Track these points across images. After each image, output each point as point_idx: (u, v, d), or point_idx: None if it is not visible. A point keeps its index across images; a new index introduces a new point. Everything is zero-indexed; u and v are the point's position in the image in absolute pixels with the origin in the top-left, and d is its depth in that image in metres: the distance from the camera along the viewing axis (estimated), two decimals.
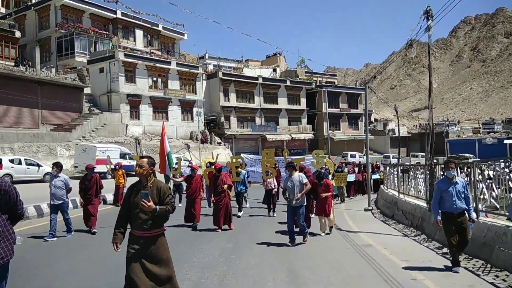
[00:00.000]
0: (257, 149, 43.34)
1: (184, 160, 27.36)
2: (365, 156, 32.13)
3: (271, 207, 12.49)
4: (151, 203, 3.90)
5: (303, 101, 51.22)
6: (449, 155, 47.31)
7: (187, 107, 40.24)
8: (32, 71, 29.33)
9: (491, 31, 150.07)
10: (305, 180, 8.17)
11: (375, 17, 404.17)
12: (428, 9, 9.70)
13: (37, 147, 25.29)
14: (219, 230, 9.53)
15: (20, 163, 20.16)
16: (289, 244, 8.03)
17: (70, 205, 12.66)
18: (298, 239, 8.35)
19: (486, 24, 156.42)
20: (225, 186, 9.80)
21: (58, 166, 8.85)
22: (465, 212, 6.20)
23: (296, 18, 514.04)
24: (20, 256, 7.07)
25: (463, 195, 6.19)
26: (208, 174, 11.91)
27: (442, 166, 10.34)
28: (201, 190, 10.64)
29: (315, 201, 9.77)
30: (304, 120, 51.24)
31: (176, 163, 14.23)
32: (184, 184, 12.59)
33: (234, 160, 13.45)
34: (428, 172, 9.47)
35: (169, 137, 37.35)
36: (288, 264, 6.71)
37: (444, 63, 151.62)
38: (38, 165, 20.91)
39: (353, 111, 55.86)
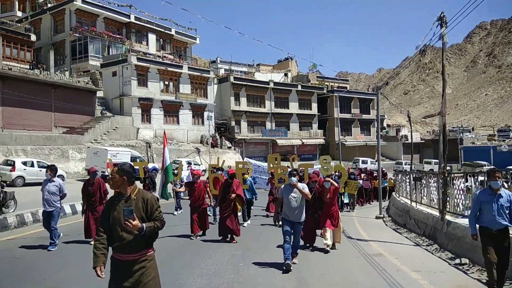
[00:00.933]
0: (268, 154, 43.19)
1: (195, 165, 27.47)
2: (376, 163, 31.84)
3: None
4: (136, 222, 3.25)
5: (315, 106, 50.99)
6: (463, 162, 46.56)
7: (198, 111, 40.40)
8: (46, 74, 29.76)
9: (507, 37, 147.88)
10: (306, 190, 7.21)
11: (388, 22, 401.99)
12: (442, 15, 9.51)
13: (50, 150, 25.58)
14: (223, 239, 8.98)
15: (32, 165, 20.40)
16: (284, 268, 6.59)
17: (69, 210, 12.79)
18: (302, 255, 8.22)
19: (502, 30, 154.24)
20: (233, 195, 8.89)
21: (52, 169, 8.05)
22: (508, 229, 5.47)
23: (309, 23, 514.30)
24: (30, 261, 7.12)
25: (507, 210, 5.43)
26: (213, 180, 11.21)
27: (461, 174, 10.11)
28: (206, 196, 9.88)
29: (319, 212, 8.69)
30: (315, 125, 50.98)
31: (176, 169, 14.05)
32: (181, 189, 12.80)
33: (240, 166, 12.57)
34: (441, 181, 9.28)
35: (180, 141, 37.57)
36: (297, 273, 6.60)
37: (459, 68, 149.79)
38: None
39: (365, 116, 55.41)
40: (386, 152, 53.57)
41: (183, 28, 49.13)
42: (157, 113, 36.94)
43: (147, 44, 44.80)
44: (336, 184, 8.52)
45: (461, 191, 8.81)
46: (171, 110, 38.32)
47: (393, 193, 17.75)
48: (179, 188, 11.25)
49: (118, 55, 37.11)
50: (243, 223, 11.21)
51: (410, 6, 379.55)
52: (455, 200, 8.98)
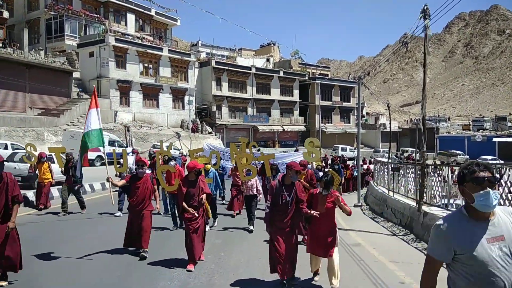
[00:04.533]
0: (249, 140, 43.12)
1: (174, 149, 26.96)
2: (356, 150, 32.20)
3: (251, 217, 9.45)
4: None
5: (296, 92, 51.05)
6: (438, 152, 47.83)
7: (178, 95, 39.82)
8: (20, 53, 28.64)
9: (485, 28, 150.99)
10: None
11: (370, 10, 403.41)
12: (425, 7, 9.56)
13: (24, 132, 24.82)
14: (191, 267, 6.13)
15: (6, 147, 19.73)
16: None
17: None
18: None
19: (480, 21, 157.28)
20: (203, 196, 6.33)
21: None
22: None
23: (291, 9, 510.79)
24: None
25: None
26: (167, 174, 8.96)
27: (435, 167, 10.29)
28: (152, 198, 7.07)
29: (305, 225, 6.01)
30: (296, 112, 51.12)
31: (121, 157, 9.36)
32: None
33: (198, 155, 9.93)
34: (419, 172, 9.48)
35: (160, 125, 37.06)
36: None
37: (437, 58, 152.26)
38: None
39: (345, 104, 55.88)
40: (364, 140, 54.31)
41: (163, 9, 47.95)
42: (136, 96, 36.25)
43: (126, 25, 43.57)
44: (342, 203, 5.33)
45: (438, 182, 9.00)
46: (150, 94, 37.66)
47: (371, 182, 18.03)
48: (119, 181, 7.32)
49: (96, 35, 36.02)
50: (208, 226, 8.55)
51: None
52: (432, 191, 9.17)
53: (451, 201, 8.44)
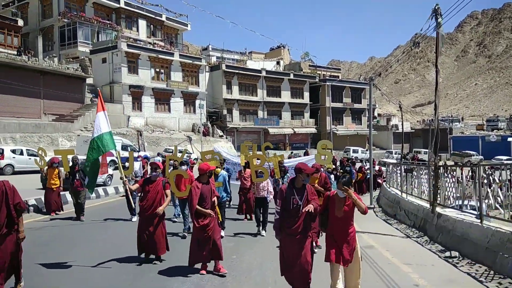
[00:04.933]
0: (260, 143, 43.15)
1: (187, 153, 26.83)
2: (367, 152, 31.99)
3: (261, 221, 9.23)
4: None
5: (306, 95, 50.92)
6: (452, 152, 47.15)
7: (189, 99, 40.08)
8: (35, 60, 29.18)
9: (498, 27, 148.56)
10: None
11: (380, 11, 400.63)
12: (436, 7, 9.48)
13: (39, 138, 25.25)
14: (204, 272, 6.06)
15: (22, 153, 20.11)
16: None
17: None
18: None
19: (493, 19, 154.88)
20: (214, 199, 6.28)
21: None
22: None
23: (301, 11, 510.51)
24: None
25: None
26: (176, 179, 8.62)
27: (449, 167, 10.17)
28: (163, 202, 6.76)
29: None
30: (307, 114, 50.98)
31: (127, 159, 9.95)
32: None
33: (208, 157, 9.22)
34: (432, 173, 9.37)
35: (171, 129, 37.34)
36: None
37: (450, 58, 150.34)
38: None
39: (356, 105, 55.55)
40: (376, 141, 53.86)
41: (174, 14, 48.41)
42: (148, 101, 36.60)
43: (138, 30, 44.04)
44: (355, 197, 4.83)
45: (451, 183, 8.89)
46: (162, 98, 37.98)
47: (384, 184, 17.89)
48: (133, 184, 7.35)
49: (108, 41, 36.51)
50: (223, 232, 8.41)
51: None
52: (446, 192, 9.07)
53: (465, 202, 8.32)
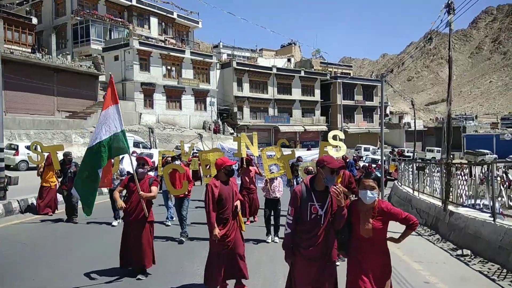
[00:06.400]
0: (270, 141, 43.17)
1: (197, 150, 26.26)
2: (379, 150, 31.56)
3: (272, 225, 8.14)
4: None
5: (317, 92, 50.68)
6: (465, 151, 46.47)
7: (200, 97, 40.24)
8: (48, 58, 29.59)
9: None
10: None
11: (393, 6, 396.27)
12: (449, 1, 9.36)
13: (53, 134, 25.61)
14: None
15: (36, 149, 20.40)
16: None
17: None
18: None
19: (508, 15, 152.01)
20: (237, 203, 5.12)
21: None
22: None
23: (312, 8, 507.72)
24: (36, 244, 7.19)
25: None
26: (171, 175, 7.54)
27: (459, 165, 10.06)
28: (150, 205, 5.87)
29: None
30: (318, 112, 50.74)
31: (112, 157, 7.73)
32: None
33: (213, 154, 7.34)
34: (445, 171, 9.27)
35: (182, 127, 37.51)
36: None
37: (463, 55, 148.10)
38: None
39: (368, 103, 55.09)
40: (388, 139, 53.40)
41: (185, 12, 48.63)
42: (159, 98, 36.85)
43: (149, 28, 44.36)
44: (387, 203, 3.69)
45: (464, 182, 8.78)
46: (173, 95, 38.19)
47: (395, 182, 17.75)
48: (118, 184, 6.76)
49: (120, 39, 36.85)
50: None
51: None
52: (458, 190, 8.97)
53: (478, 201, 8.22)
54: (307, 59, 60.01)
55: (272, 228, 8.12)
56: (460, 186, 8.85)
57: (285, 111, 47.58)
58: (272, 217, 8.11)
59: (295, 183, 8.28)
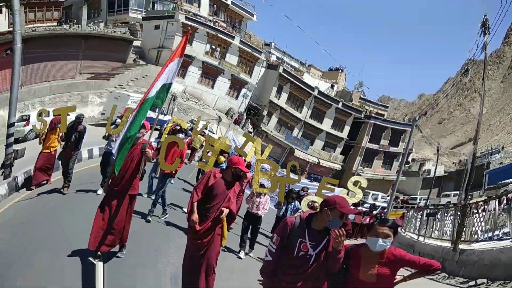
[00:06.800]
0: (280, 159, 40.97)
1: (209, 131, 23.33)
2: (388, 197, 30.29)
3: (248, 240, 7.53)
4: None
5: (347, 129, 47.63)
6: (486, 187, 42.39)
7: (237, 85, 39.37)
8: (77, 27, 28.44)
9: None
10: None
11: (431, 45, 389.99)
12: (484, 19, 8.91)
13: (69, 97, 24.18)
14: None
15: (48, 115, 19.29)
16: None
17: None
18: None
19: None
20: (225, 210, 4.35)
21: None
22: None
23: (362, 35, 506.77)
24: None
25: None
26: (168, 146, 6.51)
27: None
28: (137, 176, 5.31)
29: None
30: (339, 149, 47.83)
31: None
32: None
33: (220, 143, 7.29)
34: (459, 212, 8.93)
35: (206, 104, 36.90)
36: None
37: (496, 81, 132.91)
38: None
39: (392, 149, 51.56)
40: (402, 187, 50.90)
41: (240, 1, 47.92)
42: (194, 71, 36.41)
43: (199, 6, 43.43)
44: (400, 250, 3.36)
45: (481, 218, 8.47)
46: (210, 73, 37.64)
47: (398, 229, 16.85)
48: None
49: (164, 11, 36.73)
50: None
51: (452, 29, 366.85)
52: (473, 228, 8.66)
53: (496, 232, 7.94)
54: (348, 91, 57.40)
55: (248, 241, 7.48)
56: (476, 224, 8.60)
57: (309, 138, 45.23)
58: (249, 231, 7.45)
59: (284, 209, 8.02)
